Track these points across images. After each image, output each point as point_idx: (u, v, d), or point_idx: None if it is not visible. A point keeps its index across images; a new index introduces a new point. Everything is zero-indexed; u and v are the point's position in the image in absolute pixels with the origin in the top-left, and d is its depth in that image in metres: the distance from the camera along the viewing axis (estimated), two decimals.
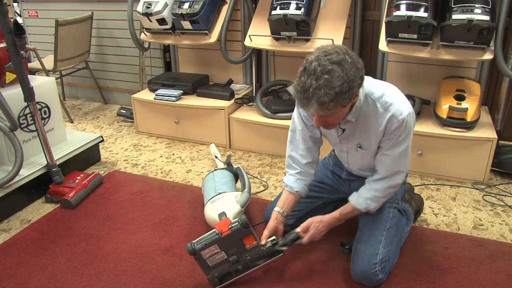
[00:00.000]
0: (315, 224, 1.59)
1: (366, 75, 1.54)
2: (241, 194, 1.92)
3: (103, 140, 2.77)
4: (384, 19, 2.36)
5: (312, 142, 1.68)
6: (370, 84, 1.47)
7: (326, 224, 1.60)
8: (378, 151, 1.55)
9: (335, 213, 1.62)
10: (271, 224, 1.63)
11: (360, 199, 1.60)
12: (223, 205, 1.84)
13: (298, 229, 1.60)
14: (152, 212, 2.13)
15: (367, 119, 1.48)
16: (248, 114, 2.81)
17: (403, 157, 1.51)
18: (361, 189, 1.62)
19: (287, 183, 1.70)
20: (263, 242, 1.57)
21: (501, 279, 1.62)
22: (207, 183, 2.10)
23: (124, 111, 3.42)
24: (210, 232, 1.54)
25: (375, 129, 1.48)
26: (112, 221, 2.07)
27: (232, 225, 1.52)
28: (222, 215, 1.73)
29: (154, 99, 2.98)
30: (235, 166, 2.26)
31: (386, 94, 1.45)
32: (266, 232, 1.60)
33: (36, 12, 3.79)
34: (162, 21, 2.80)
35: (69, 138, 2.62)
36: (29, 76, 2.12)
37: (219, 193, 1.94)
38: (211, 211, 1.86)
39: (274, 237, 1.60)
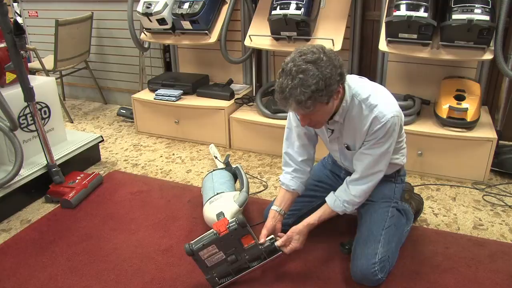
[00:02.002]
0: (295, 237, 1.60)
1: (364, 76, 1.56)
2: (239, 194, 1.92)
3: (103, 140, 2.77)
4: (384, 19, 2.36)
5: (307, 139, 1.70)
6: (358, 85, 1.49)
7: (306, 233, 1.61)
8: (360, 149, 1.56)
9: (313, 220, 1.62)
10: (269, 223, 1.64)
11: (337, 202, 1.60)
12: (221, 205, 1.84)
13: (278, 243, 1.59)
14: (152, 212, 2.13)
15: (353, 120, 1.50)
16: (248, 114, 2.81)
17: (382, 158, 1.52)
18: (339, 190, 1.62)
19: (283, 181, 1.72)
20: (261, 241, 1.57)
21: (501, 279, 1.62)
22: (205, 184, 2.10)
23: (124, 111, 3.42)
24: (208, 232, 1.54)
25: (360, 130, 1.50)
26: (112, 221, 2.07)
27: (230, 225, 1.52)
28: (220, 215, 1.73)
29: (154, 99, 2.98)
30: (233, 166, 2.26)
31: (372, 96, 1.46)
32: (264, 231, 1.60)
33: (36, 12, 3.79)
34: (162, 21, 2.79)
35: (69, 138, 2.62)
36: (29, 76, 2.12)
37: (217, 193, 1.94)
38: (210, 211, 1.86)
39: (272, 235, 1.60)
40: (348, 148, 1.60)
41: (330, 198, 1.64)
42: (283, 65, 1.34)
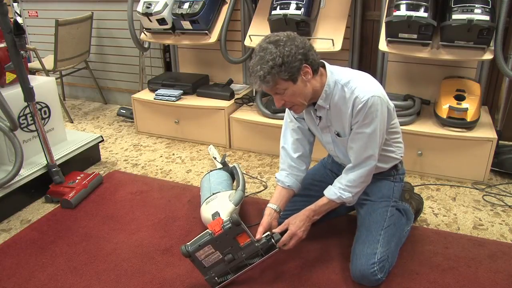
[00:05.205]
0: (297, 223, 1.60)
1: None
2: (235, 193, 1.92)
3: (103, 140, 2.77)
4: (384, 19, 2.36)
5: (301, 133, 1.74)
6: (341, 72, 1.56)
7: (307, 219, 1.62)
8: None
9: (311, 206, 1.65)
10: (265, 220, 1.64)
11: (332, 190, 1.62)
12: (217, 205, 1.85)
13: (276, 230, 1.61)
14: (152, 212, 2.13)
15: (338, 105, 1.55)
16: (248, 114, 2.81)
17: (372, 141, 1.53)
18: (335, 180, 1.65)
19: (278, 178, 1.74)
20: (257, 237, 1.57)
21: (501, 279, 1.62)
22: (203, 185, 2.10)
23: (124, 111, 3.42)
24: (203, 233, 1.55)
25: (345, 113, 1.53)
26: (112, 221, 2.07)
27: (224, 224, 1.53)
28: (216, 215, 1.73)
29: (154, 99, 2.98)
30: (231, 165, 2.26)
31: (353, 79, 1.52)
32: (260, 229, 1.60)
33: (36, 12, 3.80)
34: (162, 21, 2.79)
35: (69, 138, 2.62)
36: (29, 76, 2.12)
37: (213, 193, 1.94)
38: (206, 212, 1.86)
39: (268, 233, 1.60)
40: (338, 135, 1.62)
41: (326, 189, 1.66)
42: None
